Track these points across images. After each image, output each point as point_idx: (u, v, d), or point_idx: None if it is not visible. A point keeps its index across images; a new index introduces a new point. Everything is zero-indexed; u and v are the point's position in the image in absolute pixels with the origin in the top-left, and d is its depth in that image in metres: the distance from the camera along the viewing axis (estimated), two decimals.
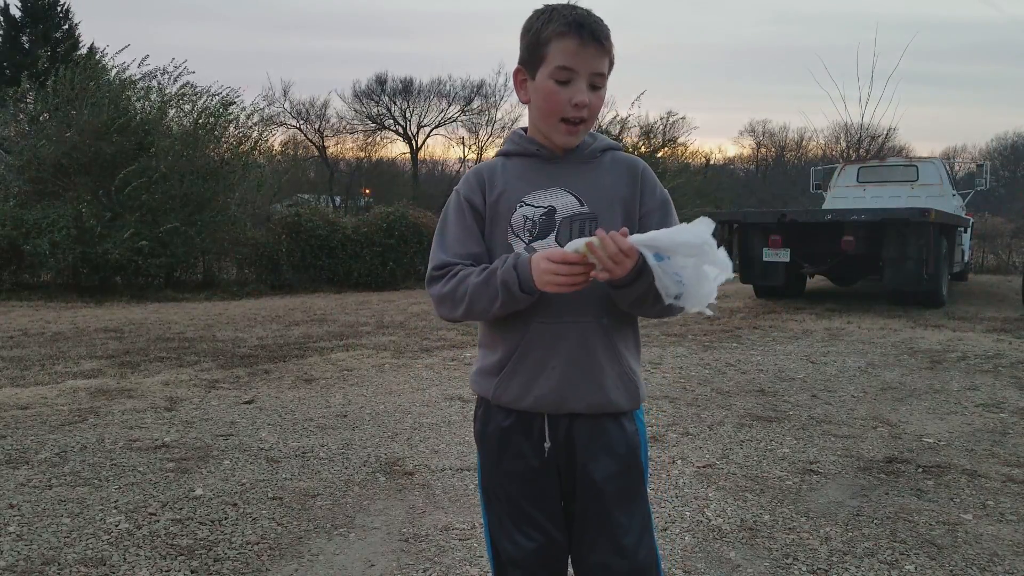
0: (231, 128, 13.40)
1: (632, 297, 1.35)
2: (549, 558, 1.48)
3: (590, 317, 1.41)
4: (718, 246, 1.25)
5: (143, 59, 13.04)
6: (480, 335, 1.53)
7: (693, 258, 1.25)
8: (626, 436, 1.46)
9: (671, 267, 1.25)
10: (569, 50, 1.36)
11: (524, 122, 1.53)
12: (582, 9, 1.39)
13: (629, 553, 1.43)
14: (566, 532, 1.48)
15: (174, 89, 12.79)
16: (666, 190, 1.52)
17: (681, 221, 1.41)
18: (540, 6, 1.43)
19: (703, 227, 1.25)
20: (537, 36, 1.39)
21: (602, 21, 1.39)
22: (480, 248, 1.44)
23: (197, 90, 12.90)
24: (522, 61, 1.43)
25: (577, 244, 1.28)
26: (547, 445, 1.44)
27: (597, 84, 1.40)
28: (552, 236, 1.42)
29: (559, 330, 1.40)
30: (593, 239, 1.26)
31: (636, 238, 1.27)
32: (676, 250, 1.25)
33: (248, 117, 13.70)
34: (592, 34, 1.36)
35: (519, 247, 1.42)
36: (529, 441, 1.45)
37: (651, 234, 1.27)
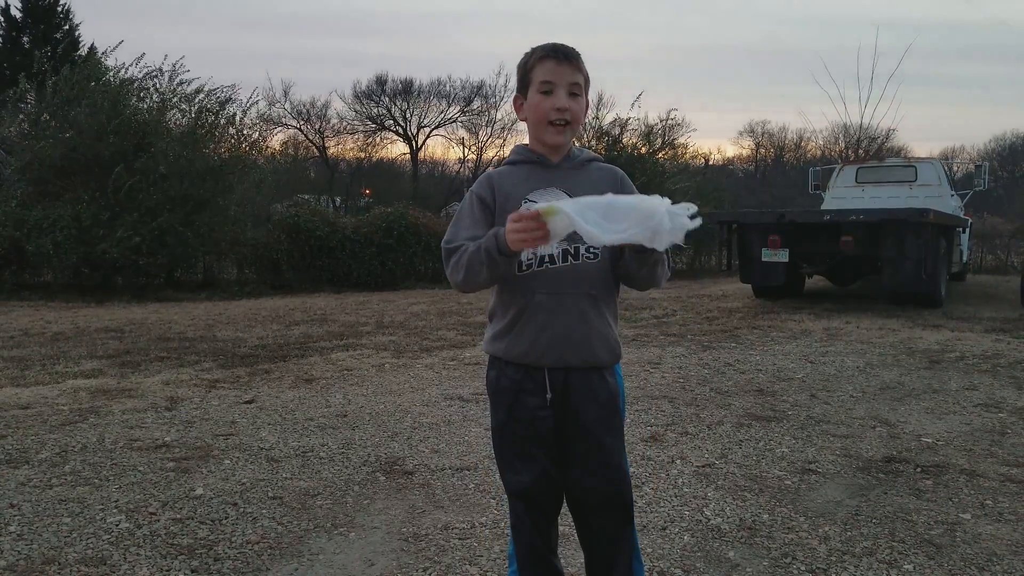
0: (229, 128, 13.35)
1: (647, 264, 1.69)
2: (546, 488, 1.82)
3: (583, 290, 1.75)
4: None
5: (140, 57, 12.88)
6: (490, 308, 1.85)
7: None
8: (608, 386, 1.81)
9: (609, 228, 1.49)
10: (548, 68, 1.74)
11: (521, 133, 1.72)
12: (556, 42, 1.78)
13: (613, 476, 1.80)
14: (558, 468, 1.82)
15: (171, 87, 12.74)
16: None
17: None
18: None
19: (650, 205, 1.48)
20: (525, 65, 1.79)
21: (572, 47, 1.76)
22: (483, 232, 1.74)
23: (195, 88, 12.86)
24: (518, 89, 1.82)
25: (538, 205, 1.56)
26: (549, 396, 1.76)
27: (575, 92, 1.75)
28: None
29: (559, 300, 1.72)
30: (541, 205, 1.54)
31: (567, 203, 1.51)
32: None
33: (244, 113, 13.64)
34: (565, 54, 1.74)
35: None
36: (534, 391, 1.77)
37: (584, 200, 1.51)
